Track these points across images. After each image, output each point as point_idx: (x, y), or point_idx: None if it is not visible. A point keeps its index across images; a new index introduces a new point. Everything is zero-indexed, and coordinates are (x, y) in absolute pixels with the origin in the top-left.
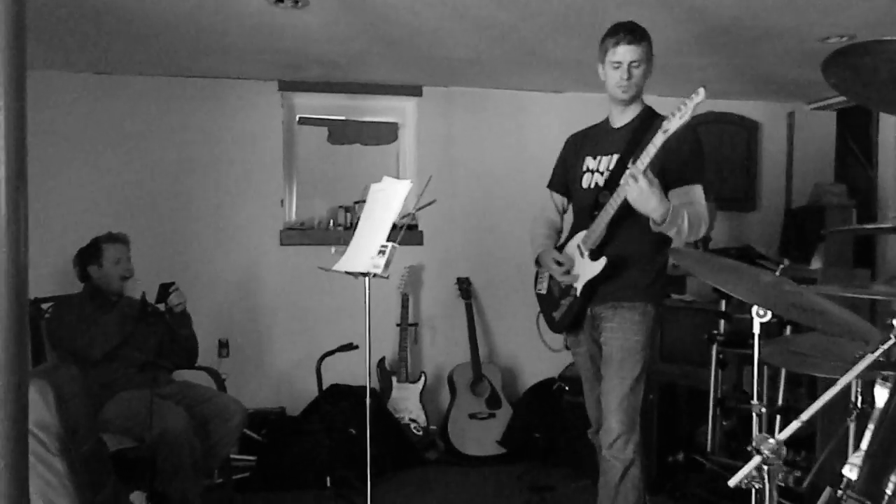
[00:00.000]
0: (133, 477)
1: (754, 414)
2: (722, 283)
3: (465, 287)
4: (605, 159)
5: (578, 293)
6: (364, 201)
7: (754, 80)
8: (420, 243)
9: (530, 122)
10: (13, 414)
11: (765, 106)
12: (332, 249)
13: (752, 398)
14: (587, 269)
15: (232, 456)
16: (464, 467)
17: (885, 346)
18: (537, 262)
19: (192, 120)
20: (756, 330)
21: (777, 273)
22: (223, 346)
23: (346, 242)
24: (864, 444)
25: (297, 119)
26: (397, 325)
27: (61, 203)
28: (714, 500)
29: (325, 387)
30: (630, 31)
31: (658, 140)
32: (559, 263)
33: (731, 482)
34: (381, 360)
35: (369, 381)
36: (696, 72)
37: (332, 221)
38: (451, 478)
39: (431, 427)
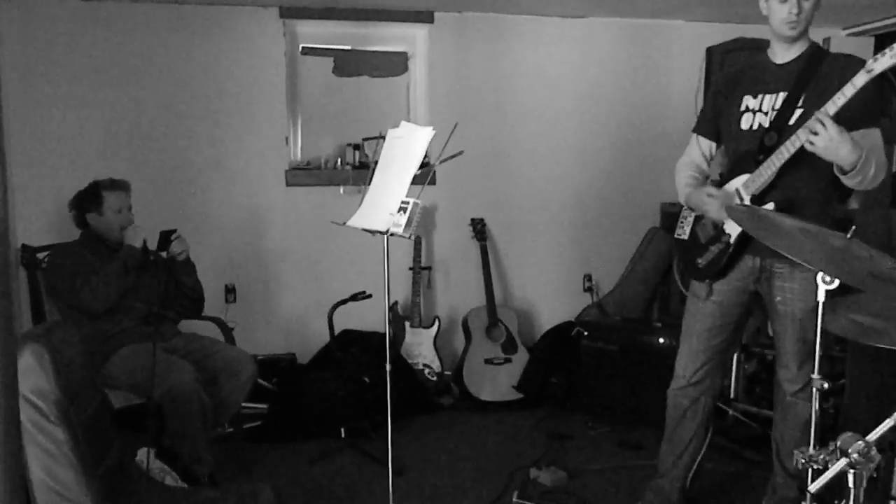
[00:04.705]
0: (140, 433)
1: (814, 389)
2: (784, 246)
3: (479, 228)
4: (768, 98)
5: (732, 240)
6: (374, 138)
7: None
8: (433, 182)
9: (550, 51)
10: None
11: None
12: (341, 189)
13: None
14: None
15: (243, 404)
16: (479, 413)
17: None
18: (689, 208)
19: (186, 51)
20: (821, 298)
21: (848, 236)
22: (230, 291)
23: (355, 182)
24: None
25: (301, 49)
26: (410, 268)
27: (50, 142)
28: (737, 448)
29: (336, 332)
30: None
31: (859, 80)
32: (712, 196)
33: (812, 488)
34: (394, 305)
35: (389, 332)
36: None
37: (339, 160)
38: (466, 423)
39: (446, 373)
